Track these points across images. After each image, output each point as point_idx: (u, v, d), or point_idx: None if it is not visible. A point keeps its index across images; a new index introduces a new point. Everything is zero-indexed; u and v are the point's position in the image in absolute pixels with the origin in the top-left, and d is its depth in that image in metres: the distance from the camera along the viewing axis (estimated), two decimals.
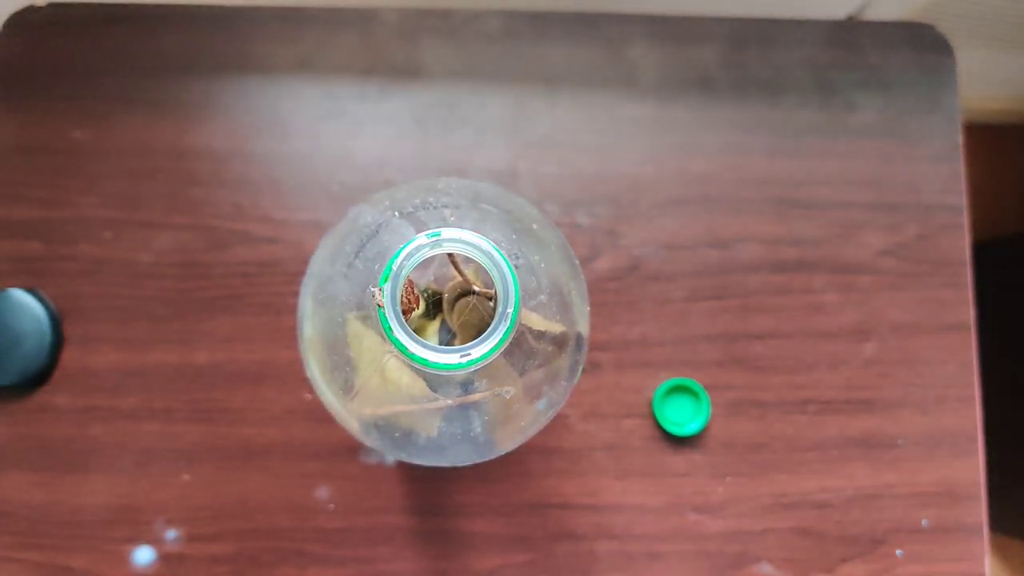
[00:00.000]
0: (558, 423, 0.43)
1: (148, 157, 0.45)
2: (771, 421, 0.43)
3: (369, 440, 0.29)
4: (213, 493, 0.42)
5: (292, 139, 0.46)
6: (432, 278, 0.31)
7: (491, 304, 0.28)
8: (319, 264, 0.28)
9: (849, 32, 0.48)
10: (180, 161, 0.45)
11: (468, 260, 0.25)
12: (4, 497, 0.42)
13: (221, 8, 0.47)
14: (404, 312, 0.26)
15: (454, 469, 0.42)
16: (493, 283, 0.24)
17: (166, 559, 0.41)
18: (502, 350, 0.23)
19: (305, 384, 0.42)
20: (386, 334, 0.23)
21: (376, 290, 0.23)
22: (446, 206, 0.27)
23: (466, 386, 0.27)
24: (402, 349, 0.23)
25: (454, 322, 0.29)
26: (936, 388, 0.44)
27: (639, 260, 0.45)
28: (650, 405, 0.43)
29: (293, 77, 0.46)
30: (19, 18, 0.47)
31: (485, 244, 0.24)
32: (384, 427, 0.28)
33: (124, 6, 0.47)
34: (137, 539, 0.41)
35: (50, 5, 0.47)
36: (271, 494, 0.42)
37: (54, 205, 0.44)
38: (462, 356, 0.23)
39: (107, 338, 0.43)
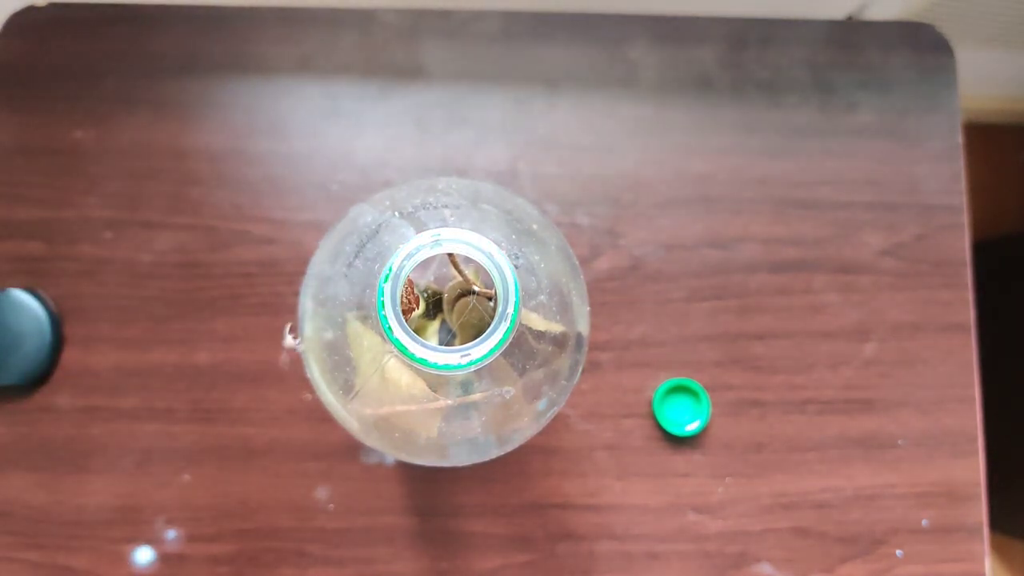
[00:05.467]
0: (558, 423, 0.43)
1: (149, 157, 0.45)
2: (771, 421, 0.43)
3: (369, 440, 0.29)
4: (213, 493, 0.42)
5: (292, 139, 0.46)
6: (432, 278, 0.31)
7: (491, 304, 0.28)
8: (319, 264, 0.28)
9: (849, 32, 0.48)
10: (180, 161, 0.45)
11: (468, 260, 0.25)
12: (4, 497, 0.42)
13: (221, 8, 0.47)
14: (404, 312, 0.26)
15: (454, 469, 0.42)
16: (493, 283, 0.24)
17: (166, 559, 0.41)
18: (502, 350, 0.23)
19: (305, 384, 0.42)
20: (386, 334, 0.23)
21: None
22: (446, 206, 0.27)
23: (466, 386, 0.27)
24: (402, 349, 0.23)
25: (454, 322, 0.29)
26: (936, 388, 0.44)
27: (639, 260, 0.45)
28: (650, 405, 0.43)
29: (293, 77, 0.46)
30: (19, 18, 0.47)
31: (485, 244, 0.24)
32: (384, 427, 0.28)
33: (124, 6, 0.47)
34: (137, 539, 0.41)
35: (50, 5, 0.47)
36: (271, 494, 0.42)
37: (55, 205, 0.45)
38: (462, 356, 0.23)
39: (107, 338, 0.43)
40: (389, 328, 0.23)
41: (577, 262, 0.29)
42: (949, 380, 0.44)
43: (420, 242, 0.24)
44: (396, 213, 0.27)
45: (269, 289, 0.44)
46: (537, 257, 0.27)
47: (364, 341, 0.26)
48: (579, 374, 0.29)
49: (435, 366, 0.23)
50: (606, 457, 0.42)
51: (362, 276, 0.26)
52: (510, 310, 0.23)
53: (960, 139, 0.47)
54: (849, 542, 0.42)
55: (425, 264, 0.28)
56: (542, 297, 0.26)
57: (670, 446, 0.43)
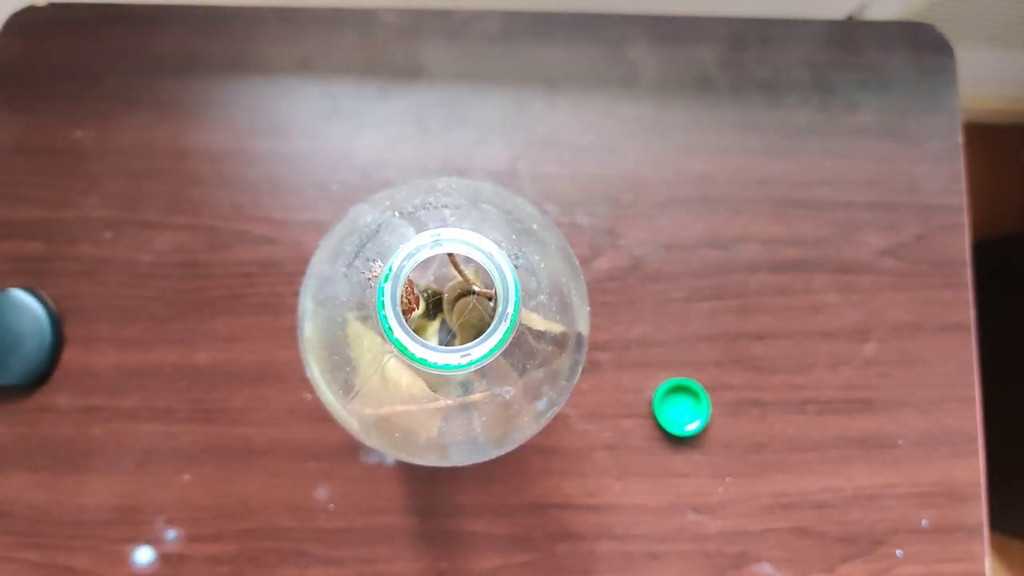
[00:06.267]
0: (558, 423, 0.43)
1: (149, 157, 0.45)
2: (771, 421, 0.43)
3: (369, 440, 0.29)
4: (213, 493, 0.42)
5: (292, 139, 0.46)
6: (432, 278, 0.31)
7: (491, 304, 0.28)
8: (319, 264, 0.28)
9: (849, 32, 0.48)
10: (180, 161, 0.45)
11: (468, 260, 0.25)
12: (4, 497, 0.42)
13: (221, 8, 0.47)
14: (404, 312, 0.26)
15: (454, 469, 0.42)
16: (493, 283, 0.24)
17: (166, 559, 0.41)
18: (502, 350, 0.23)
19: (305, 384, 0.42)
20: (386, 334, 0.23)
21: (373, 269, 0.23)
22: (446, 206, 0.27)
23: (466, 386, 0.27)
24: (402, 349, 0.23)
25: (454, 322, 0.29)
26: (936, 388, 0.44)
27: (639, 260, 0.45)
28: (650, 405, 0.43)
29: (293, 77, 0.46)
30: (19, 18, 0.47)
31: (485, 244, 0.24)
32: (384, 427, 0.28)
33: (124, 6, 0.47)
34: (137, 539, 0.41)
35: (50, 5, 0.47)
36: (271, 494, 0.42)
37: (55, 205, 0.45)
38: (462, 356, 0.23)
39: (107, 338, 0.43)
40: (389, 328, 0.23)
41: (577, 262, 0.29)
42: (949, 380, 0.44)
43: (420, 242, 0.24)
44: (396, 213, 0.27)
45: (269, 289, 0.44)
46: (537, 257, 0.27)
47: (364, 341, 0.26)
48: (579, 374, 0.29)
49: (435, 366, 0.23)
50: (606, 457, 0.42)
51: (362, 276, 0.26)
52: (510, 310, 0.23)
53: (960, 139, 0.47)
54: (849, 542, 0.42)
55: (425, 264, 0.28)
56: (542, 297, 0.26)
57: (670, 446, 0.43)
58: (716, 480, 0.42)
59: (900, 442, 0.43)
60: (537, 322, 0.26)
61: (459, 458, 0.29)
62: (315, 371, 0.28)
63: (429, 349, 0.23)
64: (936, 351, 0.44)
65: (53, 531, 0.41)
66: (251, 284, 0.44)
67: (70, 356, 0.43)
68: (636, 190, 0.45)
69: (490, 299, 0.28)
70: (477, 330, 0.28)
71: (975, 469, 0.43)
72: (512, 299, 0.23)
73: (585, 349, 0.29)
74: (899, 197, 0.46)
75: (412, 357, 0.23)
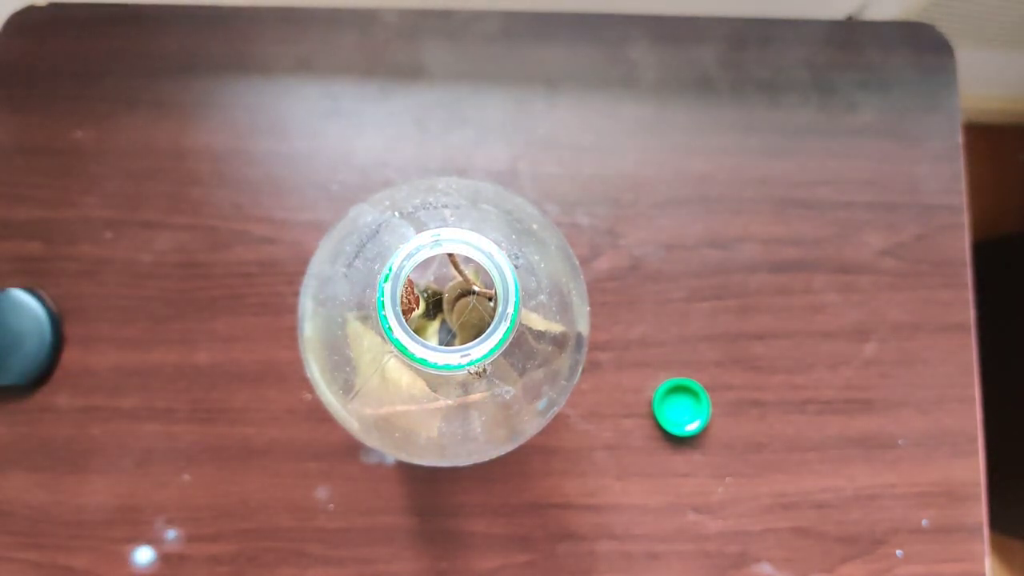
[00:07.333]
0: (558, 423, 0.43)
1: (149, 157, 0.45)
2: (771, 421, 0.43)
3: (369, 440, 0.29)
4: (213, 493, 0.42)
5: (292, 139, 0.46)
6: (432, 278, 0.31)
7: (491, 304, 0.28)
8: (319, 264, 0.28)
9: (849, 32, 0.48)
10: (181, 161, 0.45)
11: (468, 260, 0.25)
12: (4, 497, 0.42)
13: (221, 8, 0.47)
14: (404, 312, 0.26)
15: (454, 469, 0.42)
16: (493, 283, 0.24)
17: (166, 559, 0.41)
18: (502, 350, 0.23)
19: (305, 384, 0.42)
20: (386, 334, 0.23)
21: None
22: (446, 206, 0.27)
23: (466, 386, 0.27)
24: (402, 349, 0.23)
25: (454, 322, 0.29)
26: (936, 388, 0.44)
27: (639, 260, 0.45)
28: (650, 405, 0.43)
29: (293, 77, 0.46)
30: (19, 18, 0.47)
31: (485, 244, 0.24)
32: (384, 427, 0.28)
33: (124, 6, 0.47)
34: (137, 539, 0.41)
35: (50, 5, 0.47)
36: (271, 494, 0.42)
37: (55, 205, 0.45)
38: (462, 356, 0.23)
39: (107, 338, 0.43)
40: (389, 328, 0.23)
41: (577, 262, 0.29)
42: (949, 380, 0.44)
43: (420, 242, 0.24)
44: (396, 213, 0.27)
45: (269, 289, 0.44)
46: (537, 257, 0.27)
47: (364, 341, 0.26)
48: (579, 374, 0.29)
49: (435, 366, 0.23)
50: (606, 457, 0.42)
51: (362, 276, 0.26)
52: (510, 310, 0.23)
53: (960, 139, 0.47)
54: (849, 542, 0.42)
55: (425, 264, 0.28)
56: (542, 297, 0.26)
57: (670, 446, 0.43)
58: (716, 480, 0.42)
59: (900, 442, 0.43)
60: (537, 322, 0.26)
61: (459, 458, 0.29)
62: (315, 371, 0.28)
63: (429, 349, 0.23)
64: (936, 351, 0.44)
65: (53, 531, 0.41)
66: (251, 284, 0.44)
67: (70, 356, 0.43)
68: (636, 190, 0.45)
69: (490, 299, 0.28)
70: (477, 330, 0.28)
71: (975, 469, 0.43)
72: (512, 299, 0.23)
73: (585, 349, 0.29)
74: (899, 197, 0.46)
75: (412, 357, 0.23)
